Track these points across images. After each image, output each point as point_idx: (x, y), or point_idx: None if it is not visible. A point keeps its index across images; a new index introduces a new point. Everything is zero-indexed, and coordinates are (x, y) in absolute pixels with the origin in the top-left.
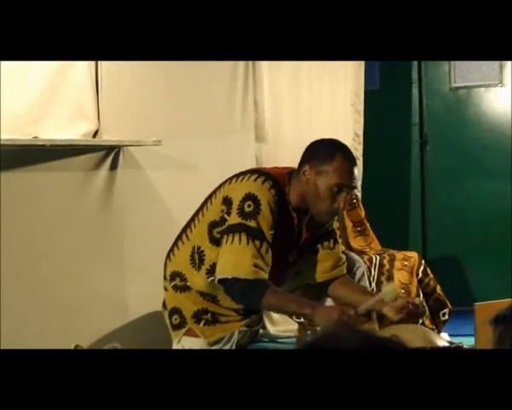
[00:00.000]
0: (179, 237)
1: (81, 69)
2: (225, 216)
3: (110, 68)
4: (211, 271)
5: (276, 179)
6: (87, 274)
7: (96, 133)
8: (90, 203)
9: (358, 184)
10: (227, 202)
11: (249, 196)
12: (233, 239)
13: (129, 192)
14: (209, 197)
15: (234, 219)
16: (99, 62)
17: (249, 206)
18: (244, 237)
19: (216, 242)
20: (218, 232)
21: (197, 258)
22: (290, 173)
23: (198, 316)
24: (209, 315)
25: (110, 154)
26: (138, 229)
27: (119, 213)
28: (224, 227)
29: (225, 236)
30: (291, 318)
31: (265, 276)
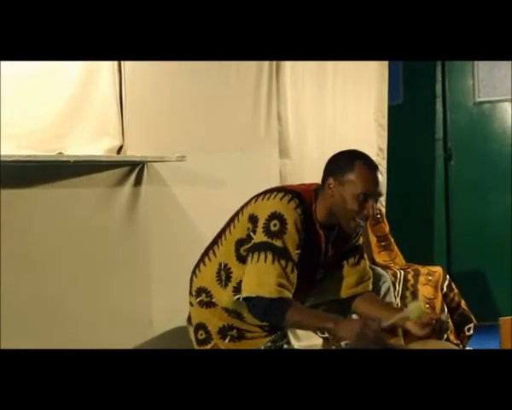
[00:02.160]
0: (206, 254)
1: (105, 85)
2: (251, 234)
3: (134, 84)
4: (237, 288)
5: (303, 197)
6: (112, 290)
7: (120, 149)
8: (115, 219)
9: (384, 190)
10: (253, 219)
11: (275, 215)
12: (258, 258)
13: (153, 208)
14: (236, 215)
15: (259, 237)
16: (123, 78)
17: (275, 225)
18: (270, 256)
19: (243, 259)
20: (244, 250)
21: (224, 275)
22: (316, 190)
23: (223, 332)
24: (234, 331)
25: (134, 170)
26: (163, 245)
27: (143, 229)
28: (249, 245)
29: (251, 254)
30: (315, 333)
31: (289, 295)
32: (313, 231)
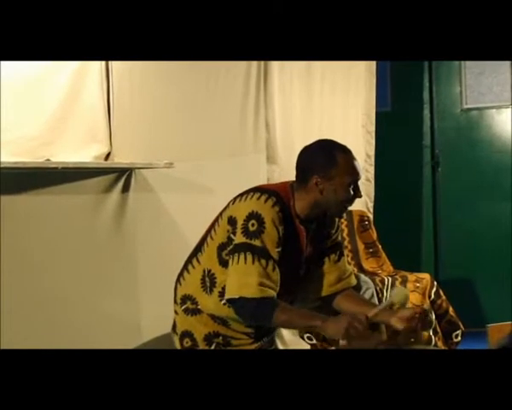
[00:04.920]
0: (189, 261)
1: (93, 92)
2: (231, 236)
3: (122, 91)
4: (222, 293)
5: (280, 195)
6: (99, 296)
7: (107, 156)
8: (103, 226)
9: (371, 195)
10: (232, 222)
11: (253, 215)
12: (238, 259)
13: (141, 215)
14: (216, 220)
15: (239, 238)
16: (111, 85)
17: (253, 225)
18: (249, 257)
19: (225, 264)
20: (226, 254)
21: (208, 281)
22: (293, 186)
23: (209, 339)
24: (220, 338)
25: (122, 176)
26: (150, 251)
27: (131, 236)
28: (230, 248)
29: (231, 256)
30: (303, 339)
31: (273, 294)
32: (293, 227)
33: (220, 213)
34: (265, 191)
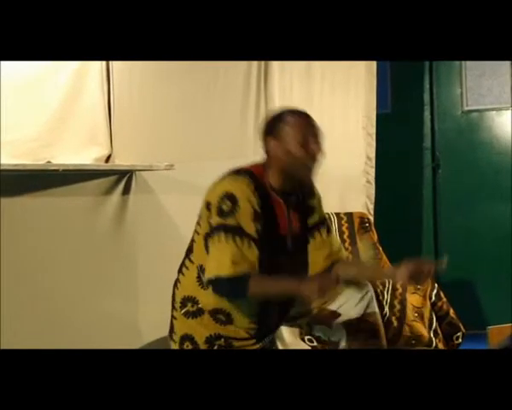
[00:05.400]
0: (183, 264)
1: (93, 94)
2: (210, 221)
3: (122, 93)
4: None
5: (253, 173)
6: (100, 298)
7: (108, 158)
8: (103, 228)
9: (372, 194)
10: (208, 206)
11: (226, 195)
12: (215, 240)
13: (141, 217)
14: (199, 213)
15: (215, 220)
16: (111, 87)
17: (227, 205)
18: (223, 236)
19: None
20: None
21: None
22: (265, 162)
23: (211, 342)
24: (222, 340)
25: (122, 178)
26: (151, 253)
27: (131, 238)
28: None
29: (210, 238)
30: (304, 342)
31: (248, 270)
32: (271, 202)
33: (201, 206)
34: (237, 171)
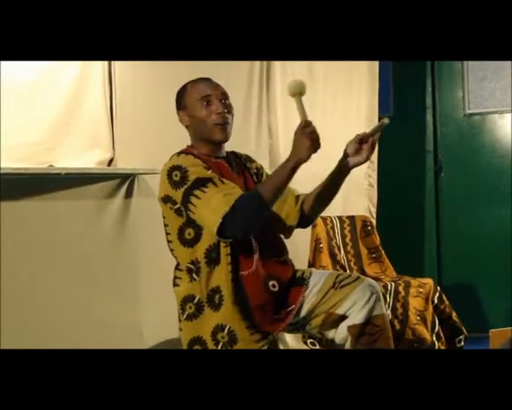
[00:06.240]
0: (175, 277)
1: (96, 97)
2: (176, 202)
3: (125, 96)
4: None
5: (183, 152)
6: (102, 302)
7: (110, 161)
8: (105, 231)
9: (374, 195)
10: (165, 199)
11: (171, 170)
12: (193, 204)
13: (144, 220)
14: (163, 220)
15: (178, 196)
16: (113, 91)
17: (176, 175)
18: (197, 193)
19: (190, 243)
20: (188, 233)
21: (194, 270)
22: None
23: (215, 335)
24: (226, 332)
25: (125, 182)
26: (153, 257)
27: (134, 241)
28: (183, 218)
29: (188, 212)
30: (306, 345)
31: (241, 192)
32: (213, 164)
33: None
34: (175, 154)
